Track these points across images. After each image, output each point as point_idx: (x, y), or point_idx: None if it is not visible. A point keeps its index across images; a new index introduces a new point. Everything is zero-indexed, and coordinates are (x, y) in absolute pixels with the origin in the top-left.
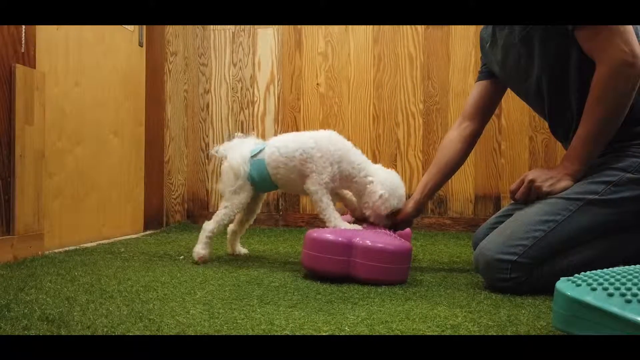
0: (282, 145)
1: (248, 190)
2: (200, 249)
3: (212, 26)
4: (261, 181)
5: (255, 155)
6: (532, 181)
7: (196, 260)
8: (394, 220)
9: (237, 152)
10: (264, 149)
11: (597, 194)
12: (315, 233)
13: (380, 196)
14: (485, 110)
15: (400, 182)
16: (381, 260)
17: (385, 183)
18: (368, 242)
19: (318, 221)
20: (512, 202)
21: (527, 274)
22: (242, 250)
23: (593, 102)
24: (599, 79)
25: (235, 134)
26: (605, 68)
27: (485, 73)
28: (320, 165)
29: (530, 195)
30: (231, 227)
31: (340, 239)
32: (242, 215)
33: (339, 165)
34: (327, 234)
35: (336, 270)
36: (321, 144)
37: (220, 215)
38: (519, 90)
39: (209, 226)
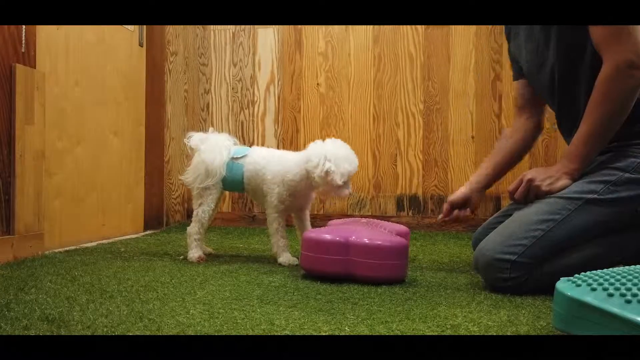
0: (256, 161)
1: (219, 187)
2: (194, 253)
3: (212, 26)
4: (232, 183)
5: (237, 158)
6: (530, 180)
7: (195, 262)
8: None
9: (217, 153)
10: (247, 155)
11: (596, 194)
12: (312, 234)
13: (327, 172)
14: (533, 102)
15: (341, 146)
16: (379, 257)
17: (327, 157)
18: (365, 239)
19: (317, 221)
20: (512, 202)
21: (526, 273)
22: (206, 249)
23: (596, 100)
24: (604, 77)
25: (210, 129)
26: (611, 67)
27: (516, 72)
28: (270, 187)
29: (529, 194)
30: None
31: (337, 238)
32: None
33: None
34: (324, 234)
35: (336, 271)
36: (274, 167)
37: (199, 214)
38: (535, 81)
39: (193, 229)
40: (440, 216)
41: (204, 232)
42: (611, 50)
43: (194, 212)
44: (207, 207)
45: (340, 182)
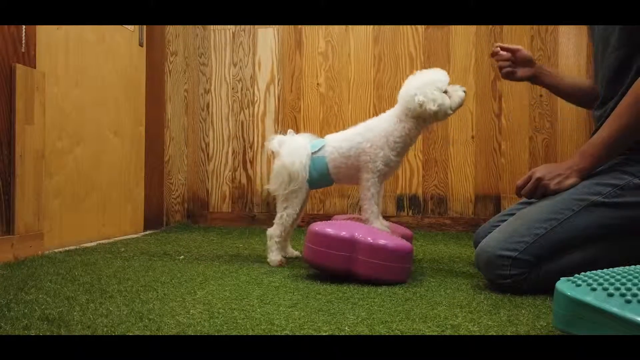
0: (338, 146)
1: (305, 189)
2: (275, 256)
3: (212, 26)
4: (320, 178)
5: (315, 152)
6: (539, 179)
7: (276, 266)
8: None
9: (295, 156)
10: (324, 146)
11: (601, 196)
12: (317, 227)
13: (421, 104)
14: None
15: (420, 75)
16: (382, 258)
17: (414, 91)
18: (370, 239)
19: (317, 221)
20: (518, 199)
21: (527, 271)
22: (293, 252)
23: (625, 107)
24: (639, 86)
25: (289, 130)
26: None
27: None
28: (373, 154)
29: (537, 192)
30: None
31: (342, 234)
32: None
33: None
34: (328, 229)
35: (337, 266)
36: (367, 135)
37: (284, 217)
38: (598, 64)
39: (275, 231)
40: (501, 47)
41: (287, 236)
42: None
43: (278, 215)
44: (293, 211)
45: (435, 108)
